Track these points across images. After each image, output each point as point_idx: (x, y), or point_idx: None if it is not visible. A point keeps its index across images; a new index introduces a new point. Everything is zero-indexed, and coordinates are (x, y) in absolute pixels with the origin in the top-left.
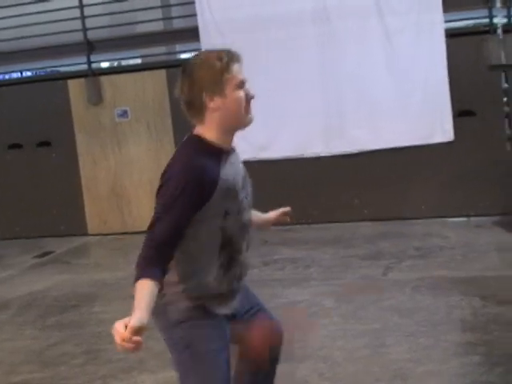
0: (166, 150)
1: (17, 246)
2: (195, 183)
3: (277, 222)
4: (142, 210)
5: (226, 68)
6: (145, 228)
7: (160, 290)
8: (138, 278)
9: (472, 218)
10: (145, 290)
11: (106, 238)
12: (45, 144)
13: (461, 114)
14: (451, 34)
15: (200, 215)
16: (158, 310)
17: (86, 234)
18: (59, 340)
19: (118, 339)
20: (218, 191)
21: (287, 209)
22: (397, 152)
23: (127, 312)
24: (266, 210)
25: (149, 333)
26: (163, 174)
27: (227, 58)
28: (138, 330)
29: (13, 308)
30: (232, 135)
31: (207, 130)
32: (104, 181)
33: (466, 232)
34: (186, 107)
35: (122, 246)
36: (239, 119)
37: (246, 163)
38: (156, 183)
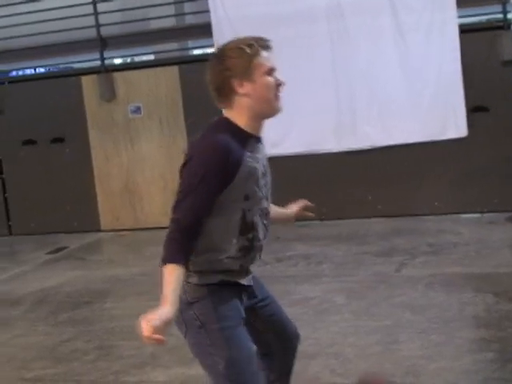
0: (179, 147)
1: (30, 241)
2: (217, 168)
3: (299, 218)
4: (154, 206)
5: (256, 54)
6: (157, 224)
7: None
8: (164, 262)
9: (485, 215)
10: (170, 279)
11: (118, 234)
12: (58, 140)
13: (474, 109)
14: (464, 30)
15: (222, 197)
16: None
17: (98, 230)
18: (72, 336)
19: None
20: (240, 173)
21: (308, 203)
22: (410, 148)
23: (140, 308)
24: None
25: None
26: (188, 151)
27: (257, 45)
28: (160, 328)
29: (25, 304)
30: (260, 122)
31: (236, 116)
32: (117, 177)
33: (479, 228)
34: (216, 92)
35: (135, 242)
36: (268, 105)
37: None
38: (168, 179)
